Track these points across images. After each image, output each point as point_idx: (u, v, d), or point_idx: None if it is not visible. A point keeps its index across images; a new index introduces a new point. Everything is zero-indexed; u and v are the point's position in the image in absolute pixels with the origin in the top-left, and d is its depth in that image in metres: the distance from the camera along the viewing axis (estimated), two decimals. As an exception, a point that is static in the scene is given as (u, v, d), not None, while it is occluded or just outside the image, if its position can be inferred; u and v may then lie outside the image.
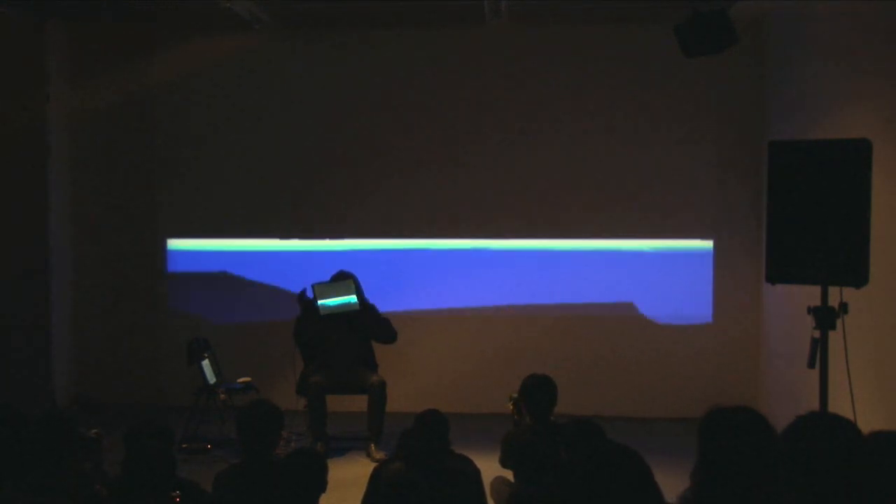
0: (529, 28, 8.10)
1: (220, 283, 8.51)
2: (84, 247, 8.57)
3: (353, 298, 7.10)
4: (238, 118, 8.46)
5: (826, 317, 4.53)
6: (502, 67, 8.20)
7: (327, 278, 7.25)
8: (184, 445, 6.71)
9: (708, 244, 8.09)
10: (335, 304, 7.09)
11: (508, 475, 4.86)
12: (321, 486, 3.73)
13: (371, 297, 7.32)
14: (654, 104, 8.04)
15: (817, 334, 4.55)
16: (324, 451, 6.55)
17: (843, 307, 4.47)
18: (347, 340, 7.12)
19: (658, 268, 8.11)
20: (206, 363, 7.24)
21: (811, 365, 4.58)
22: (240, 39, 8.29)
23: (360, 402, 6.98)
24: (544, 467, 4.24)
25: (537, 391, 4.89)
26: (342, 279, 7.19)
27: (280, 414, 4.13)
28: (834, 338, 4.53)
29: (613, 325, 8.16)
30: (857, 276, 4.42)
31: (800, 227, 4.57)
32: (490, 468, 4.81)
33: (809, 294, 4.73)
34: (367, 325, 7.16)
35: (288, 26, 8.17)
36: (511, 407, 5.12)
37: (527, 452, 4.47)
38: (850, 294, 4.49)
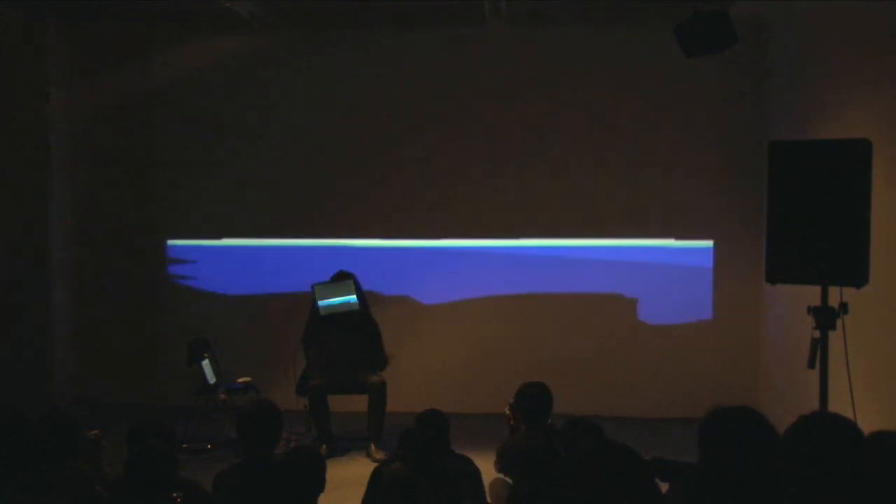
0: (529, 28, 8.09)
1: (219, 283, 8.51)
2: (84, 247, 8.57)
3: (353, 298, 7.11)
4: (238, 118, 8.46)
5: (826, 317, 4.53)
6: (502, 67, 8.20)
7: (328, 278, 7.26)
8: (184, 445, 6.71)
9: (708, 244, 8.09)
10: (335, 303, 7.10)
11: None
12: (320, 485, 3.73)
13: (371, 297, 7.34)
14: (654, 104, 8.04)
15: (817, 334, 4.55)
16: (327, 454, 6.56)
17: (843, 307, 4.47)
18: (347, 340, 7.12)
19: (658, 268, 8.11)
20: (206, 363, 7.25)
21: (811, 365, 4.57)
22: (240, 39, 8.29)
23: (360, 402, 6.99)
24: (541, 473, 4.23)
25: (532, 399, 4.86)
26: (342, 279, 7.20)
27: (280, 414, 4.13)
28: (834, 338, 4.53)
29: (614, 325, 8.16)
30: (857, 276, 4.42)
31: (800, 227, 4.56)
32: (490, 468, 4.81)
33: (809, 294, 4.73)
34: (367, 327, 7.18)
35: (288, 26, 8.17)
36: (509, 413, 5.11)
37: (522, 458, 4.46)
38: (850, 294, 4.49)
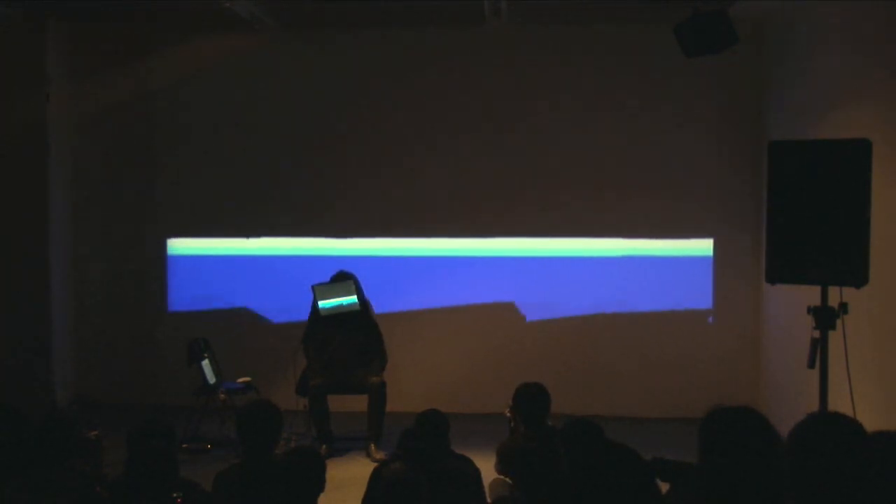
0: (529, 28, 8.09)
1: (219, 282, 8.50)
2: (84, 247, 8.57)
3: (353, 299, 7.11)
4: (238, 118, 8.46)
5: (826, 317, 4.53)
6: (502, 67, 8.20)
7: (327, 279, 7.25)
8: (184, 445, 6.71)
9: (708, 244, 8.09)
10: (335, 304, 7.10)
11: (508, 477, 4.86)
12: (320, 485, 3.73)
13: (371, 297, 7.33)
14: (654, 104, 8.04)
15: (817, 334, 4.55)
16: (327, 454, 6.56)
17: (843, 307, 4.47)
18: (347, 340, 7.12)
19: (658, 267, 8.11)
20: (206, 363, 7.24)
21: (811, 365, 4.58)
22: (240, 39, 8.29)
23: (360, 402, 6.98)
24: (540, 473, 4.23)
25: (529, 400, 4.86)
26: (342, 280, 7.20)
27: (280, 414, 4.13)
28: (834, 338, 4.53)
29: (613, 325, 8.16)
30: (857, 276, 4.42)
31: (800, 226, 4.57)
32: (490, 468, 4.81)
33: (809, 294, 4.73)
34: (367, 328, 7.18)
35: (288, 26, 8.16)
36: (510, 414, 5.11)
37: (521, 459, 4.46)
38: (850, 294, 4.49)
